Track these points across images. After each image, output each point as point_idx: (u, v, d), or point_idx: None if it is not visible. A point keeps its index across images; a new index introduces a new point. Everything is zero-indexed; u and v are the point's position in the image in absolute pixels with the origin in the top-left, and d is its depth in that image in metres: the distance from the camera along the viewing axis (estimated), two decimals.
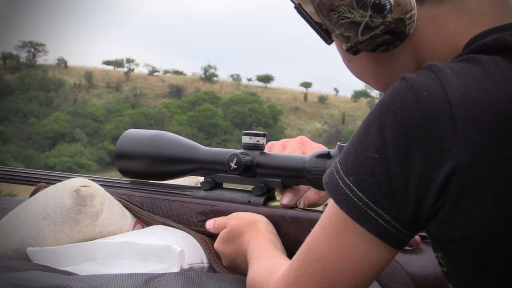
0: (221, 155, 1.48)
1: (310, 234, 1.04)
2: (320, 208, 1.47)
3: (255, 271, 1.23)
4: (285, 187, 1.45)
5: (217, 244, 1.42)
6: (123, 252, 1.37)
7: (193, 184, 1.66)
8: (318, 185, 1.38)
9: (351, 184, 0.97)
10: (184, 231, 1.47)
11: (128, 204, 1.53)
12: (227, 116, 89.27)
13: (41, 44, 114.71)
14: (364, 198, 0.96)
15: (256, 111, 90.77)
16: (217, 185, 1.51)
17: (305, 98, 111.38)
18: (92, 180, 1.50)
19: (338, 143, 1.36)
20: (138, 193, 1.55)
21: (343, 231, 0.98)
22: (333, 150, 1.37)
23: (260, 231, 1.36)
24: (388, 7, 1.02)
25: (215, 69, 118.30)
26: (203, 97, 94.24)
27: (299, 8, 1.15)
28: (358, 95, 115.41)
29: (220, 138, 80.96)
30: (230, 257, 1.39)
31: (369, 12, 1.03)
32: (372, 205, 0.95)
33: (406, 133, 0.92)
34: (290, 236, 1.39)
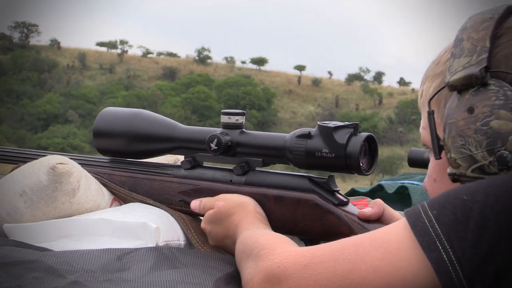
0: (200, 134, 1.46)
1: (350, 238, 1.08)
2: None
3: (258, 235, 1.24)
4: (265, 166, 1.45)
5: (203, 225, 1.42)
6: (99, 229, 1.37)
7: (171, 162, 1.64)
8: (298, 164, 1.38)
9: (432, 216, 1.01)
10: (162, 208, 1.46)
11: (105, 181, 1.53)
12: (220, 99, 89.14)
13: (34, 25, 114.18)
14: (438, 230, 1.00)
15: (250, 94, 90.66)
16: (197, 164, 1.49)
17: (299, 81, 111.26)
18: (71, 158, 1.49)
19: (318, 122, 1.36)
20: (118, 172, 1.54)
21: (395, 250, 1.02)
22: (314, 130, 1.36)
23: (250, 211, 1.37)
24: (510, 165, 1.06)
25: (209, 51, 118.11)
26: (196, 79, 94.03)
27: (431, 116, 1.18)
28: (351, 78, 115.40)
29: (214, 121, 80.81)
30: (217, 238, 1.40)
31: (492, 159, 1.07)
32: (443, 238, 0.99)
33: (502, 185, 1.01)
34: (273, 215, 1.39)
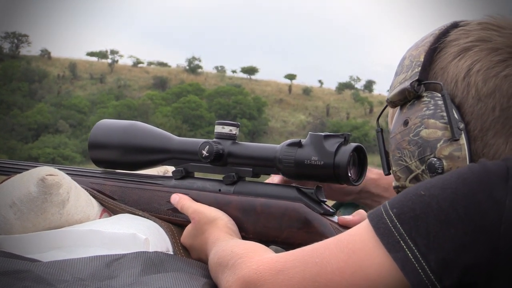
0: (193, 145, 1.48)
1: (320, 242, 1.09)
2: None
3: (233, 246, 1.25)
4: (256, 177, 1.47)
5: (183, 240, 1.44)
6: (89, 240, 1.37)
7: (160, 173, 1.66)
8: (287, 174, 1.39)
9: (392, 215, 1.02)
10: (150, 219, 1.47)
11: (95, 192, 1.54)
12: (211, 108, 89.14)
13: (24, 35, 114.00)
14: (401, 229, 1.00)
15: (241, 103, 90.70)
16: (188, 174, 1.51)
17: (290, 90, 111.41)
18: (63, 170, 1.51)
19: (310, 132, 1.37)
20: (110, 182, 1.56)
21: (359, 251, 1.03)
22: (305, 140, 1.37)
23: (219, 227, 1.38)
24: (439, 171, 1.12)
25: (200, 60, 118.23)
26: (187, 88, 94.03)
27: (380, 133, 1.27)
28: (342, 87, 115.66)
29: (205, 130, 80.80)
30: (196, 253, 1.42)
31: (423, 167, 1.14)
32: (406, 237, 1.00)
33: (459, 178, 1.02)
34: (259, 223, 1.40)
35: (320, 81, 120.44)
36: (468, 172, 1.02)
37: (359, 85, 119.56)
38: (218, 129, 1.47)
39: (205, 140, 1.47)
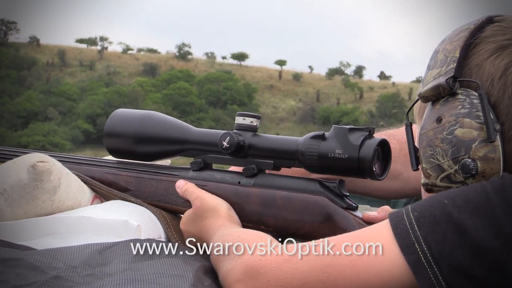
0: (212, 136, 1.46)
1: (335, 236, 1.11)
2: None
3: (239, 232, 1.25)
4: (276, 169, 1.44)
5: (181, 226, 1.43)
6: (80, 226, 1.37)
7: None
8: (310, 167, 1.36)
9: (412, 218, 1.04)
10: (143, 206, 1.47)
11: (86, 178, 1.53)
12: (201, 94, 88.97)
13: (12, 22, 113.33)
14: (417, 232, 1.02)
15: (231, 89, 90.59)
16: (207, 166, 1.48)
17: (280, 76, 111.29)
18: (74, 159, 1.53)
19: (334, 125, 1.35)
20: (125, 173, 1.54)
21: (373, 248, 1.05)
22: (328, 132, 1.35)
23: (221, 216, 1.37)
24: (473, 172, 1.10)
25: (190, 47, 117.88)
26: (177, 75, 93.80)
27: (409, 128, 1.23)
28: (332, 72, 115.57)
29: (195, 116, 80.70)
30: (192, 238, 1.40)
31: (456, 167, 1.12)
32: (421, 240, 1.01)
33: (482, 193, 1.04)
34: (280, 216, 1.38)
35: (310, 67, 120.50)
36: (490, 188, 1.03)
37: (349, 71, 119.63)
38: (239, 120, 1.44)
39: (226, 131, 1.45)
